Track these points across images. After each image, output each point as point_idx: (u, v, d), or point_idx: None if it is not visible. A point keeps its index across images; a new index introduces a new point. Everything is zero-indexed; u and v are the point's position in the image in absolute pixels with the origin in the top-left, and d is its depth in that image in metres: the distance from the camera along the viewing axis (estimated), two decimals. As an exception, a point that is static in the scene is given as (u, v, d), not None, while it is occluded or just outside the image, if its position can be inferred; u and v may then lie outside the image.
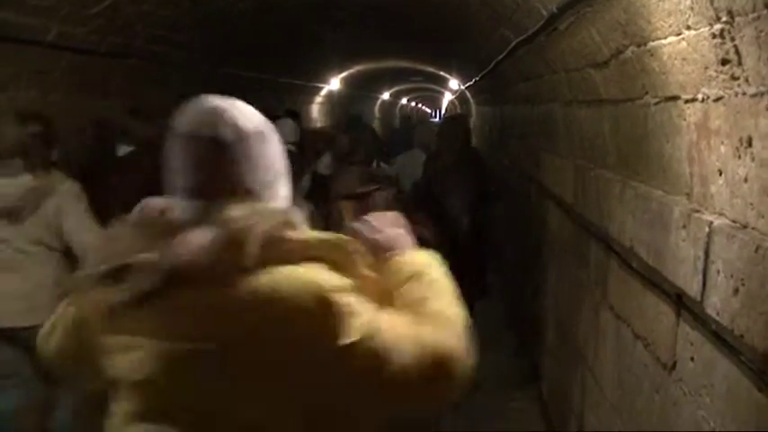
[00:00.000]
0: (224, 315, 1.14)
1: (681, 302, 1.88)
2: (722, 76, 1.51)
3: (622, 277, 2.52)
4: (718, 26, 1.45)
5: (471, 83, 9.27)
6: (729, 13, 1.38)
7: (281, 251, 1.16)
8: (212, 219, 1.18)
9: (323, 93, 13.44)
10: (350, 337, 1.15)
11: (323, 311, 1.14)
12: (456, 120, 5.93)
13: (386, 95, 22.19)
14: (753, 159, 1.42)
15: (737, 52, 1.41)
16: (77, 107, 4.88)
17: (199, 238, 1.15)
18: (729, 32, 1.41)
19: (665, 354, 2.01)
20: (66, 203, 3.02)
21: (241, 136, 1.27)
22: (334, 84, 13.15)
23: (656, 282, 2.09)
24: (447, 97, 22.34)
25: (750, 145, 1.42)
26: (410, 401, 1.29)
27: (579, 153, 3.33)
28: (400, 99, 27.41)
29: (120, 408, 1.24)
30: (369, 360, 1.16)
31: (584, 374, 3.14)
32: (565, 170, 3.66)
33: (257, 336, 1.14)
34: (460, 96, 15.56)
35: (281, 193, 1.33)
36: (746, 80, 1.40)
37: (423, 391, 1.25)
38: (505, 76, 5.66)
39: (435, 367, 1.22)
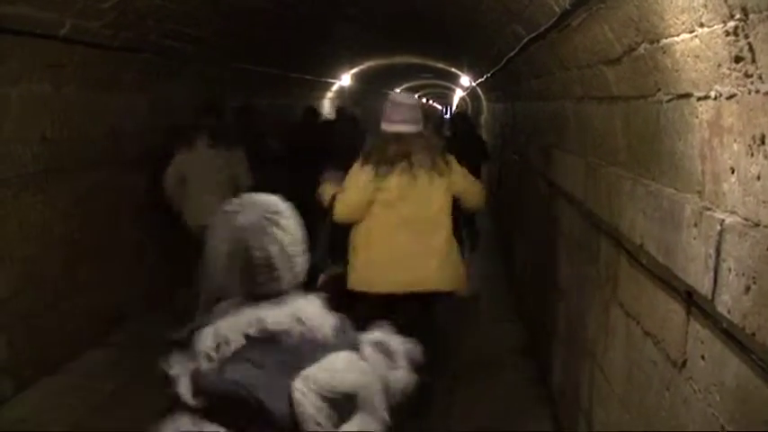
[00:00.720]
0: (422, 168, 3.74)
1: (691, 300, 1.88)
2: (735, 74, 1.50)
3: (632, 275, 2.52)
4: (731, 23, 1.45)
5: (482, 79, 9.25)
6: (743, 10, 1.38)
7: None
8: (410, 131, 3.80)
9: (334, 88, 13.45)
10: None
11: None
12: (461, 115, 10.17)
13: (397, 92, 22.19)
14: (766, 157, 1.41)
15: (751, 49, 1.40)
16: (90, 101, 4.91)
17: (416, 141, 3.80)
18: (743, 30, 1.41)
19: (676, 351, 2.01)
20: (239, 161, 5.52)
21: (417, 102, 4.08)
22: (346, 80, 13.14)
23: (666, 279, 2.09)
24: (458, 94, 22.29)
25: (763, 143, 1.42)
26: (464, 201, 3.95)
27: (591, 150, 3.32)
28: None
29: (377, 218, 3.71)
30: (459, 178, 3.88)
31: (594, 372, 3.14)
32: (576, 167, 3.65)
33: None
34: (471, 93, 15.52)
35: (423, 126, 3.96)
36: (760, 78, 1.40)
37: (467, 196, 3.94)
38: (517, 73, 5.65)
39: (478, 192, 4.03)
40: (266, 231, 1.52)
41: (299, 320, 1.49)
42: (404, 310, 3.54)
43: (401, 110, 3.78)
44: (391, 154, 3.71)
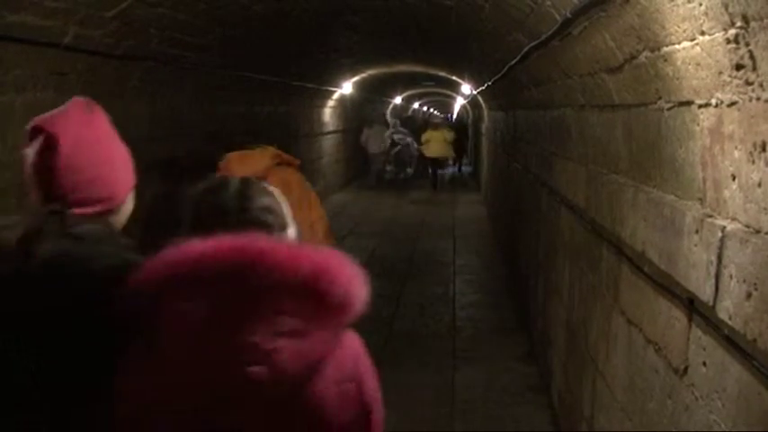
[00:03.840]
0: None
1: (693, 307, 1.88)
2: (736, 81, 1.51)
3: (634, 282, 2.52)
4: (732, 31, 1.46)
5: (484, 87, 9.27)
6: (744, 18, 1.39)
7: None
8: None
9: (335, 96, 13.48)
10: None
11: None
12: (458, 117, 23.29)
13: (398, 100, 22.25)
14: (767, 164, 1.42)
15: (752, 57, 1.41)
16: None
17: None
18: (744, 37, 1.42)
19: (677, 358, 2.01)
20: (385, 130, 18.37)
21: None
22: (347, 88, 13.18)
23: (667, 286, 2.09)
24: (459, 102, 22.35)
25: (764, 150, 1.42)
26: None
27: (592, 158, 3.33)
28: (412, 103, 27.43)
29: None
30: None
31: (595, 379, 3.13)
32: (577, 175, 3.66)
33: None
34: (473, 101, 15.57)
35: None
36: (761, 85, 1.40)
37: None
38: (518, 81, 5.66)
39: None
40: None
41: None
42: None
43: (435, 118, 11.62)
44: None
